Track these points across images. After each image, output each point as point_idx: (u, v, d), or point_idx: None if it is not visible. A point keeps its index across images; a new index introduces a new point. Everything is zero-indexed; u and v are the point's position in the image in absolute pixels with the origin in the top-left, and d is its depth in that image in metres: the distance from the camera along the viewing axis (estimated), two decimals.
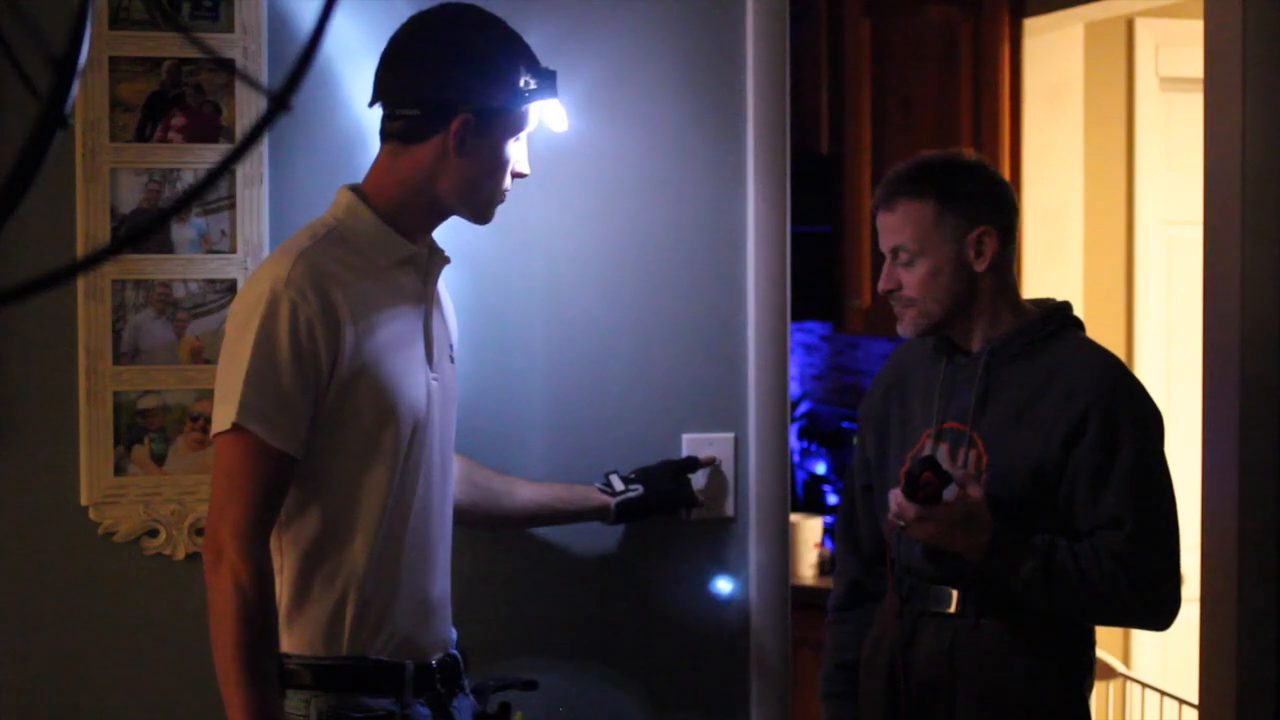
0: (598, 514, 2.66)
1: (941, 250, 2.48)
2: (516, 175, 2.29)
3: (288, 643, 2.20)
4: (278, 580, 2.19)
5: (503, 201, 2.29)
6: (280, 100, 0.72)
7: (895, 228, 2.51)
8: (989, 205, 2.50)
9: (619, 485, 2.66)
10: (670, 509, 2.71)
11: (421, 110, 2.22)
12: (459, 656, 2.36)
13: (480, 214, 2.31)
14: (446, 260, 2.33)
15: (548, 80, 2.27)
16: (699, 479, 2.76)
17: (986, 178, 2.53)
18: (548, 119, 2.49)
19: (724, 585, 2.79)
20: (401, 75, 2.25)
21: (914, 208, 2.49)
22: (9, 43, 0.87)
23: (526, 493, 2.63)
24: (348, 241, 2.24)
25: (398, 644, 2.24)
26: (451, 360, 2.39)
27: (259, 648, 2.09)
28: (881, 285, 2.53)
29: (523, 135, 2.29)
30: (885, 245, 2.54)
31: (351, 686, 2.20)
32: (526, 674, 2.59)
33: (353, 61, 2.54)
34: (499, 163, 2.26)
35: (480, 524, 2.62)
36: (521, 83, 2.24)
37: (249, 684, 2.07)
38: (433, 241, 2.33)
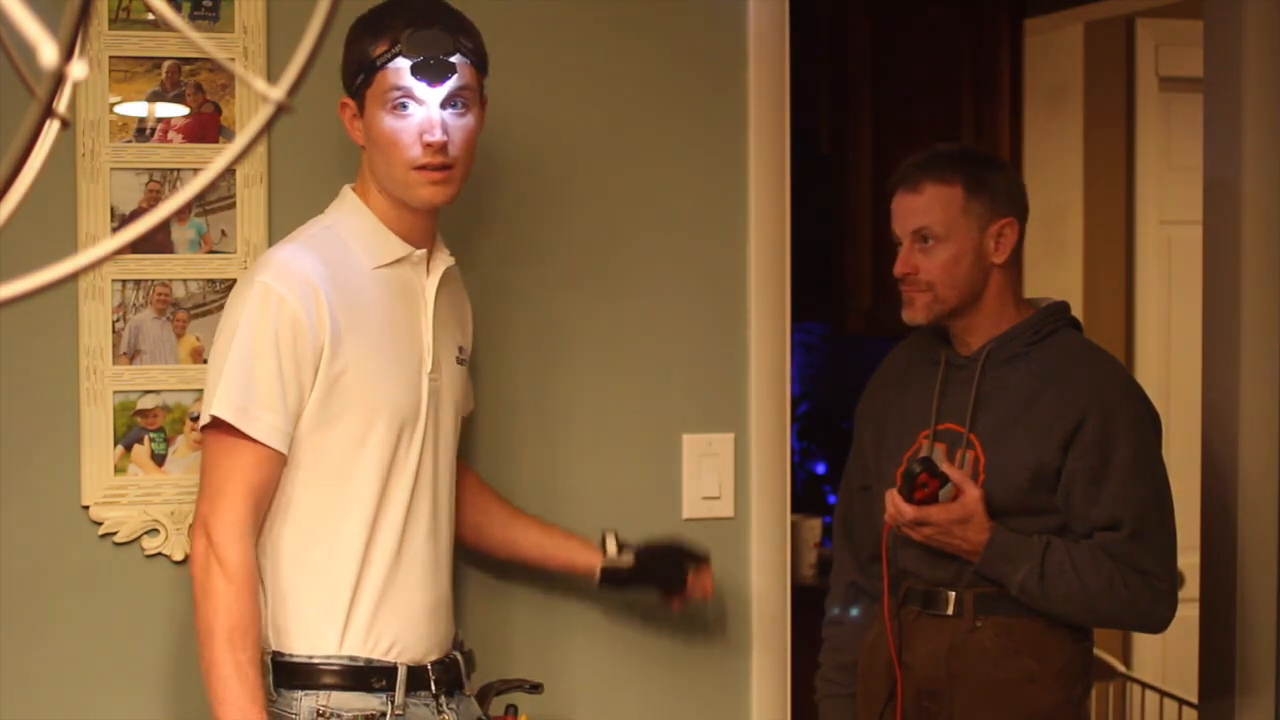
0: (584, 574, 2.54)
1: (965, 237, 2.46)
2: (428, 146, 2.17)
3: (278, 641, 2.20)
4: (268, 578, 2.19)
5: (434, 180, 2.19)
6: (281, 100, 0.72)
7: (921, 209, 2.48)
8: (1013, 198, 2.50)
9: (612, 548, 2.51)
10: (657, 590, 2.59)
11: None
12: (460, 658, 2.35)
13: (409, 195, 2.21)
14: (450, 262, 2.32)
15: (395, 44, 2.15)
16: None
17: (1009, 172, 2.55)
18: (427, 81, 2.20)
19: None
20: None
21: (943, 191, 2.46)
22: (7, 42, 0.87)
23: (526, 529, 2.55)
24: (343, 240, 2.24)
25: (389, 644, 2.23)
26: (460, 363, 2.38)
27: (240, 640, 2.09)
28: (898, 269, 2.50)
29: (410, 104, 2.17)
30: (906, 227, 2.49)
31: (342, 685, 2.20)
32: (531, 676, 2.58)
33: None
34: (383, 138, 2.19)
35: (475, 545, 2.56)
36: (373, 51, 2.17)
37: (230, 676, 2.08)
38: (438, 243, 2.32)
